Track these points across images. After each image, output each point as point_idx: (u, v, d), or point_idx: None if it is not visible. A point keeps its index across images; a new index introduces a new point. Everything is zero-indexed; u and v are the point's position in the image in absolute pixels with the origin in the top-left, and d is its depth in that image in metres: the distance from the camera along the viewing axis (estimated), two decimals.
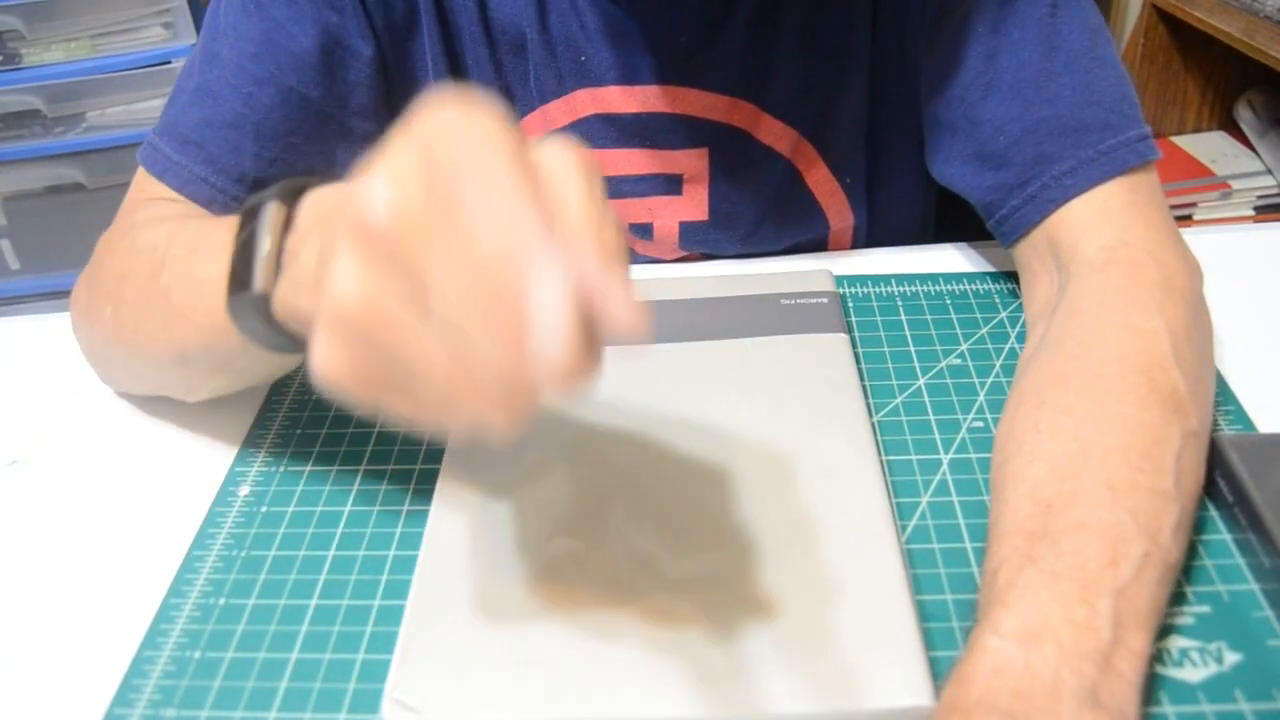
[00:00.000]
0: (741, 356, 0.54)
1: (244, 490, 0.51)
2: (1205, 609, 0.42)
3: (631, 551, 0.43)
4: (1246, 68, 1.50)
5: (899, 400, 0.54)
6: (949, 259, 0.65)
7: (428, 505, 0.47)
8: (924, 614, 0.42)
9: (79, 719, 0.42)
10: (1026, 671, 0.35)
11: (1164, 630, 0.40)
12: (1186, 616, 0.41)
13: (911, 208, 0.71)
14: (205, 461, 0.54)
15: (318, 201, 0.39)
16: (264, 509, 0.50)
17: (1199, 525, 0.45)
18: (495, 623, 0.41)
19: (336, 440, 0.54)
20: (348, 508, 0.50)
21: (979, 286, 0.62)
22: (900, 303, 0.61)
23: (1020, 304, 0.60)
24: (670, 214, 0.66)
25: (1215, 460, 0.46)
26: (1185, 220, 1.49)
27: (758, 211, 0.66)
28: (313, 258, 0.36)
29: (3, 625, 0.46)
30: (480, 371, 0.28)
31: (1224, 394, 0.52)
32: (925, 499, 0.48)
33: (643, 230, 0.67)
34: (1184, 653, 0.40)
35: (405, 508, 0.49)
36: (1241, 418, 0.51)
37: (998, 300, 0.61)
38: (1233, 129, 1.61)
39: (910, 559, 0.45)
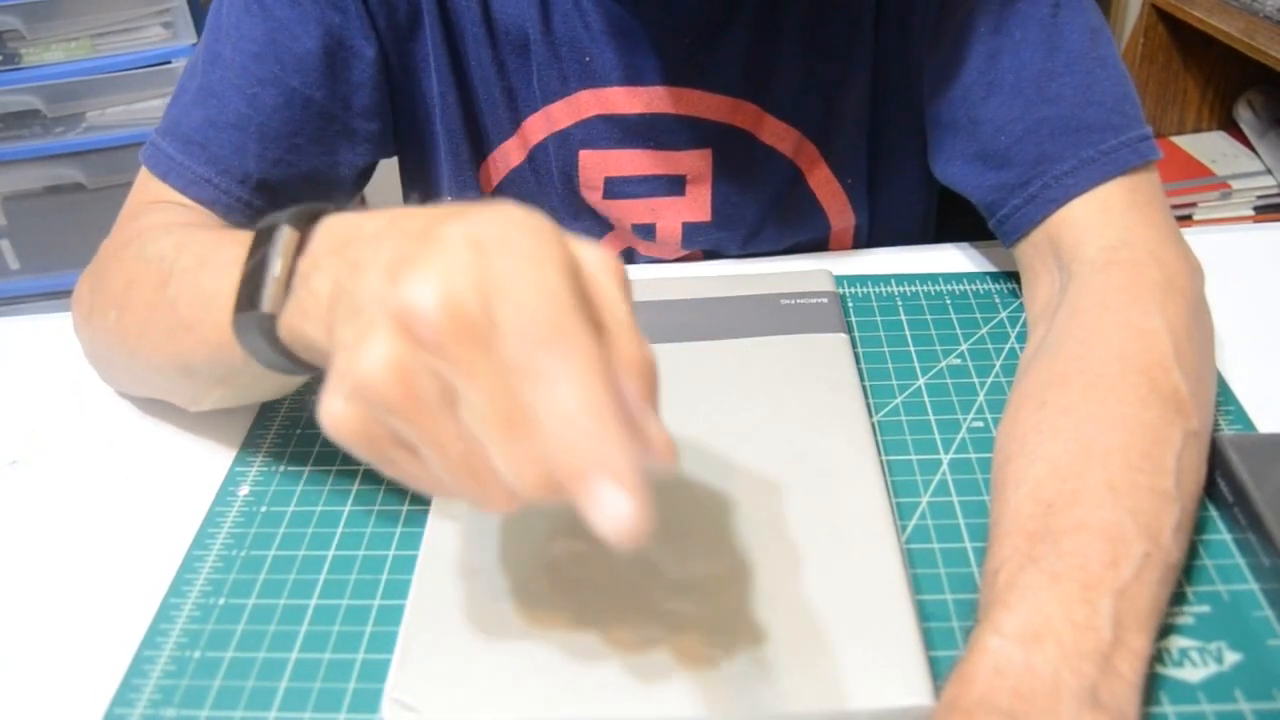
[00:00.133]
0: (741, 356, 0.54)
1: (244, 490, 0.51)
2: (1205, 609, 0.42)
3: (631, 552, 0.43)
4: (1246, 68, 1.50)
5: (899, 400, 0.54)
6: (949, 259, 0.65)
7: (428, 505, 0.47)
8: (924, 614, 0.42)
9: (79, 719, 0.42)
10: (1027, 671, 0.35)
11: (1164, 630, 0.40)
12: (1186, 616, 0.41)
13: (913, 208, 0.71)
14: (205, 461, 0.54)
15: (333, 229, 0.38)
16: (264, 509, 0.50)
17: (1199, 525, 0.44)
18: (495, 623, 0.41)
19: None
20: (348, 508, 0.50)
21: (979, 286, 0.62)
22: (900, 303, 0.61)
23: (1020, 304, 0.60)
24: (673, 214, 0.66)
25: (1215, 460, 0.46)
26: (1185, 220, 1.49)
27: (760, 212, 0.66)
28: (326, 285, 0.36)
29: (3, 625, 0.46)
30: (489, 479, 0.31)
31: (1224, 394, 0.52)
32: (925, 499, 0.48)
33: (645, 231, 0.67)
34: (1184, 653, 0.40)
35: (405, 508, 0.49)
36: (1241, 418, 0.51)
37: (998, 300, 0.61)
38: (1233, 129, 1.61)
39: (910, 559, 0.45)
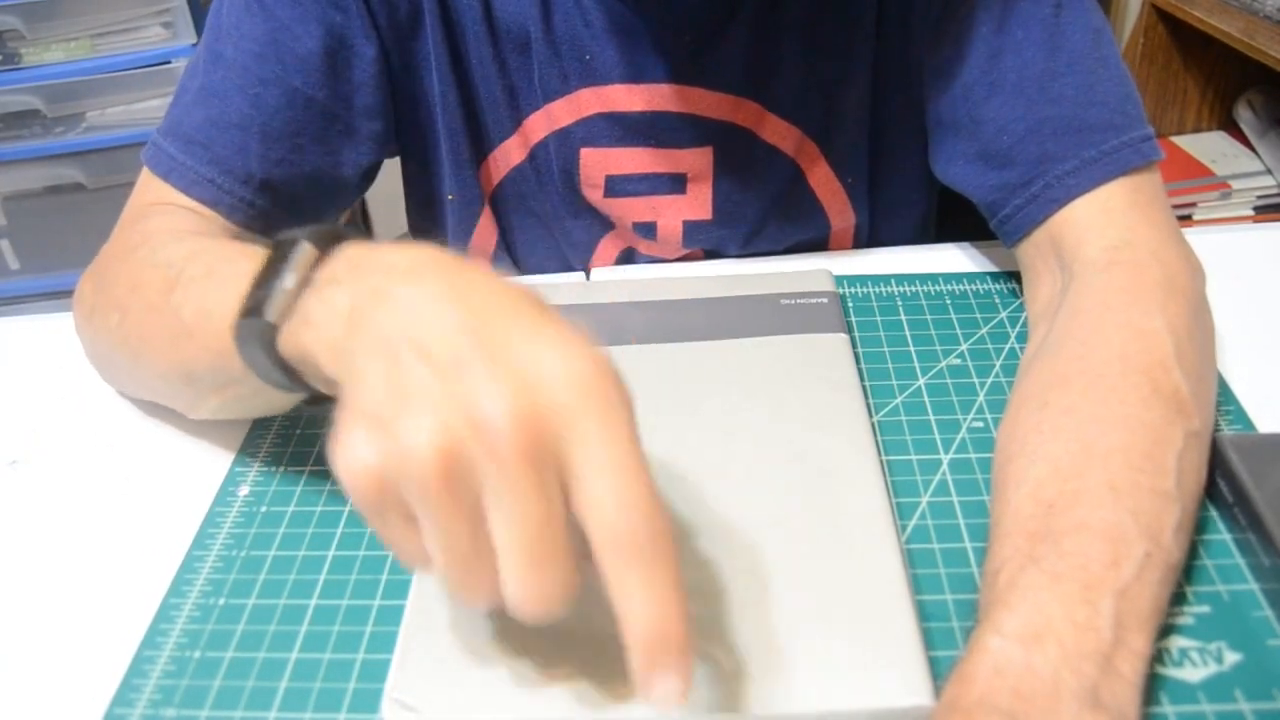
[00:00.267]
0: (741, 356, 0.54)
1: (244, 490, 0.51)
2: (1205, 609, 0.42)
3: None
4: (1246, 68, 1.50)
5: (899, 400, 0.54)
6: (949, 259, 0.65)
7: None
8: (924, 614, 0.42)
9: (79, 719, 0.42)
10: (1027, 671, 0.35)
11: (1164, 630, 0.40)
12: (1186, 616, 0.41)
13: (913, 207, 0.71)
14: (205, 461, 0.54)
15: (356, 253, 0.39)
16: (264, 509, 0.50)
17: (1199, 525, 0.44)
18: (495, 623, 0.41)
19: None
20: (348, 508, 0.50)
21: (979, 286, 0.62)
22: (900, 303, 0.61)
23: (1020, 304, 0.60)
24: (674, 213, 0.66)
25: (1215, 460, 0.46)
26: (1185, 220, 1.49)
27: (761, 210, 0.66)
28: (343, 302, 0.36)
29: (3, 625, 0.46)
30: (482, 579, 0.32)
31: (1224, 394, 0.52)
32: (925, 499, 0.48)
33: (646, 229, 0.67)
34: (1184, 653, 0.40)
35: None
36: (1241, 418, 0.51)
37: (998, 300, 0.61)
38: (1233, 129, 1.61)
39: (910, 559, 0.45)
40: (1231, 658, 0.40)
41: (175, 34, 1.57)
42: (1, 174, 1.65)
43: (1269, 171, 1.51)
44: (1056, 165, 0.55)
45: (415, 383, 0.32)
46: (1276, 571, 0.42)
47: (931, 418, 0.52)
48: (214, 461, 0.54)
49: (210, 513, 0.50)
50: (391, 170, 0.71)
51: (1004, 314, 0.60)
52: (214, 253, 0.48)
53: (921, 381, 0.55)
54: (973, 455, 0.50)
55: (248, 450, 0.54)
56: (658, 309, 0.58)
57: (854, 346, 0.57)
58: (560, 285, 0.64)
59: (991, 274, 0.63)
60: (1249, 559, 0.43)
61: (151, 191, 0.58)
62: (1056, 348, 0.48)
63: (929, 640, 0.40)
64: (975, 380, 0.55)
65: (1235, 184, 1.50)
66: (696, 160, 0.64)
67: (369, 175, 0.65)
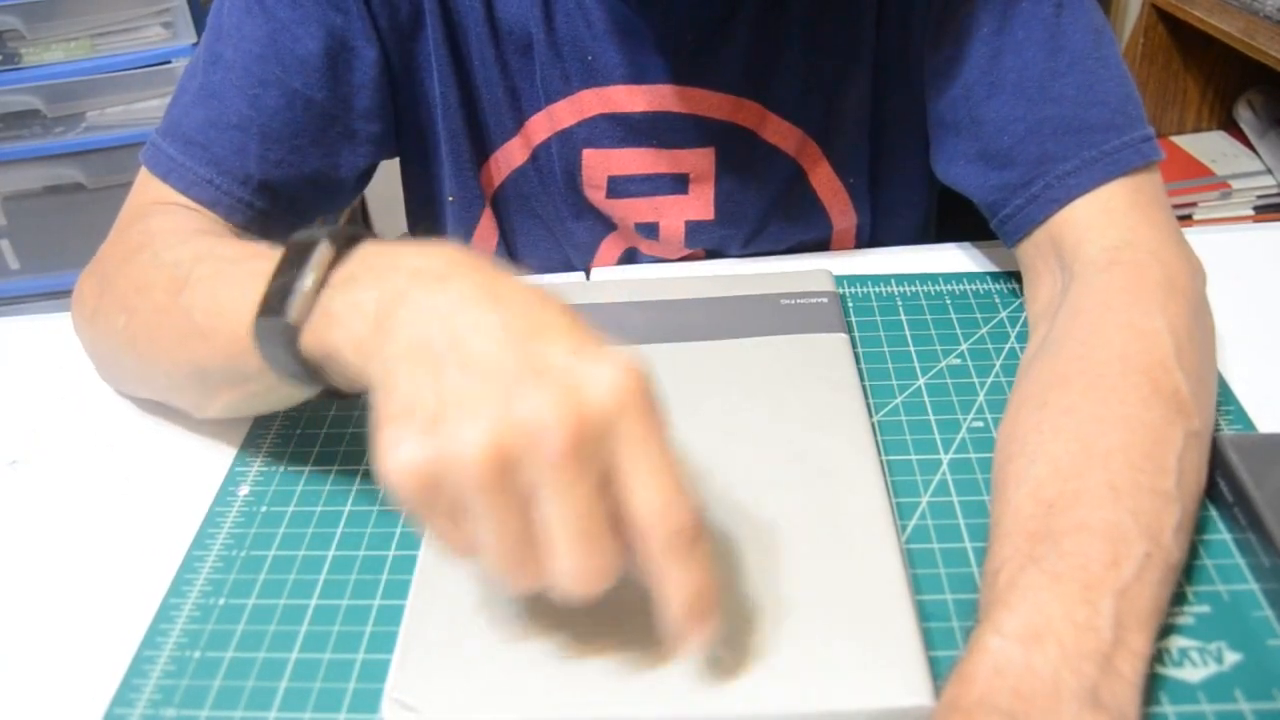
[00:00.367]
0: (741, 356, 0.54)
1: (244, 490, 0.51)
2: (1205, 609, 0.42)
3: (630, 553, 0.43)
4: (1246, 68, 1.49)
5: (899, 400, 0.54)
6: (949, 259, 0.65)
7: None
8: (924, 614, 0.42)
9: (79, 719, 0.42)
10: (1027, 671, 0.35)
11: (1164, 630, 0.40)
12: (1186, 616, 0.41)
13: (914, 207, 0.71)
14: (205, 461, 0.54)
15: (375, 253, 0.40)
16: (264, 509, 0.50)
17: (1199, 525, 0.44)
18: (495, 623, 0.41)
19: (336, 440, 0.54)
20: (348, 508, 0.50)
21: (979, 286, 0.62)
22: (900, 303, 0.61)
23: (1020, 304, 0.60)
24: (676, 213, 0.66)
25: (1215, 460, 0.46)
26: (1185, 220, 1.49)
27: (763, 210, 0.66)
28: (369, 301, 0.37)
29: (3, 625, 0.46)
30: (530, 565, 0.34)
31: (1224, 394, 0.52)
32: (925, 499, 0.48)
33: (648, 229, 0.67)
34: (1184, 653, 0.40)
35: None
36: (1241, 418, 0.51)
37: (998, 300, 0.61)
38: (1233, 129, 1.61)
39: (910, 559, 0.45)
40: (1231, 658, 0.40)
41: (175, 34, 1.57)
42: (1, 174, 1.65)
43: (1269, 171, 1.51)
44: (1057, 165, 0.55)
45: (462, 387, 0.34)
46: (1276, 571, 0.42)
47: (931, 418, 0.52)
48: (214, 461, 0.54)
49: (210, 513, 0.50)
50: (391, 171, 0.71)
51: (1004, 314, 0.60)
52: (221, 253, 0.48)
53: (921, 381, 0.55)
54: (973, 455, 0.50)
55: (248, 450, 0.54)
56: (658, 309, 0.58)
57: (854, 346, 0.57)
58: (560, 285, 0.64)
59: (991, 274, 0.63)
60: (1249, 559, 0.43)
61: (150, 191, 0.58)
62: (1057, 348, 0.48)
63: (929, 640, 0.40)
64: (975, 380, 0.55)
65: (1235, 184, 1.50)
66: (698, 160, 0.64)
67: (367, 176, 0.65)
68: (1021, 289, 0.60)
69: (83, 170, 1.64)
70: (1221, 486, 0.46)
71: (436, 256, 0.38)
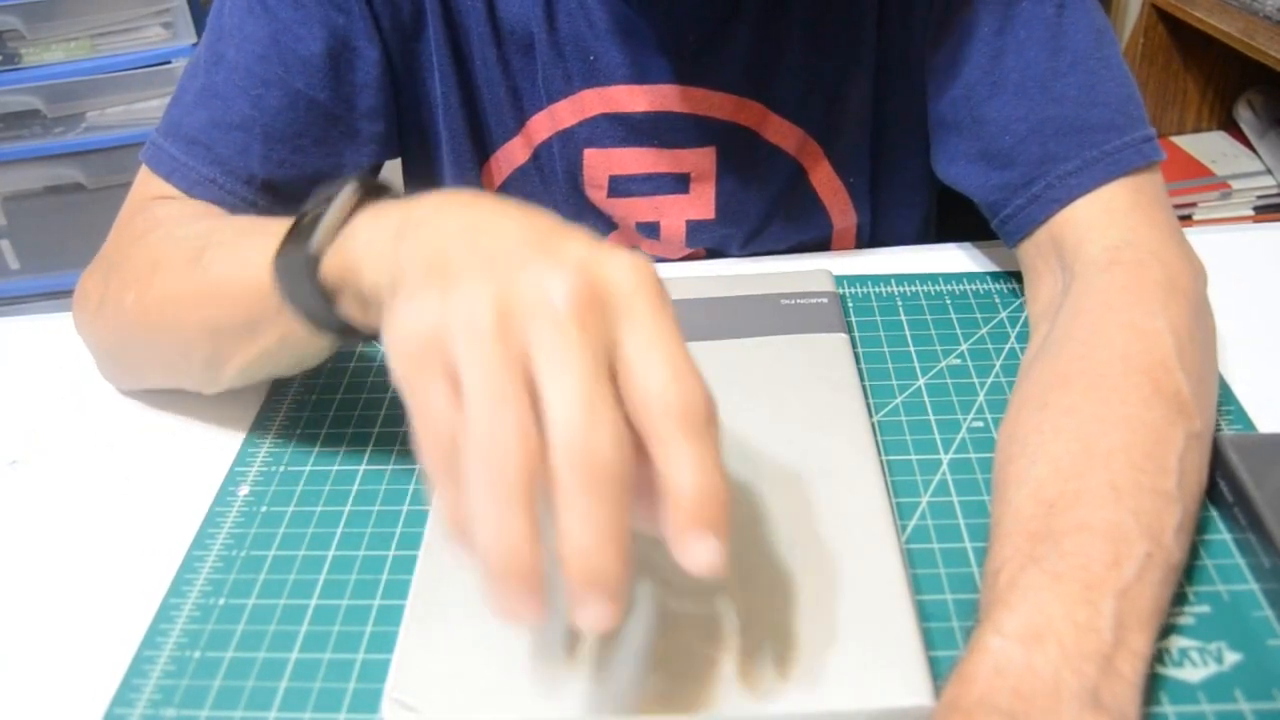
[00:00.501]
0: (741, 356, 0.54)
1: (244, 490, 0.51)
2: (1205, 609, 0.42)
3: (631, 551, 0.43)
4: (1246, 68, 1.50)
5: (899, 400, 0.54)
6: (949, 259, 0.65)
7: (428, 505, 0.47)
8: (924, 614, 0.42)
9: (79, 719, 0.42)
10: (1028, 672, 0.35)
11: (1164, 630, 0.40)
12: (1186, 616, 0.41)
13: (915, 207, 0.71)
14: (205, 461, 0.54)
15: (397, 200, 0.41)
16: (264, 509, 0.50)
17: (1200, 525, 0.44)
18: (495, 623, 0.41)
19: (336, 440, 0.54)
20: (348, 508, 0.50)
21: (979, 286, 0.62)
22: (900, 303, 0.61)
23: (1020, 304, 0.60)
24: (677, 212, 0.66)
25: (1215, 460, 0.46)
26: (1185, 220, 1.49)
27: (763, 210, 0.66)
28: (394, 221, 0.38)
29: (3, 625, 0.46)
30: (532, 449, 0.30)
31: (1224, 394, 0.52)
32: (925, 499, 0.48)
33: (649, 229, 0.67)
34: (1184, 653, 0.40)
35: (405, 508, 0.49)
36: (1241, 418, 0.51)
37: (998, 300, 0.61)
38: (1233, 129, 1.61)
39: (910, 559, 0.45)
40: (1231, 658, 0.40)
41: (175, 34, 1.57)
42: (1, 174, 1.65)
43: (1269, 171, 1.51)
44: (1058, 165, 0.55)
45: (473, 263, 0.34)
46: (1276, 571, 0.42)
47: (931, 418, 0.52)
48: (214, 461, 0.54)
49: (210, 513, 0.50)
50: (391, 170, 0.71)
51: (1004, 314, 0.60)
52: (239, 222, 0.50)
53: (921, 381, 0.55)
54: (973, 455, 0.50)
55: (248, 450, 0.54)
56: None
57: (854, 346, 0.57)
58: None
59: (991, 274, 0.63)
60: (1249, 559, 0.43)
61: (152, 189, 0.58)
62: (1058, 348, 0.48)
63: (929, 640, 0.40)
64: (975, 380, 0.55)
65: (1235, 184, 1.50)
66: (699, 160, 0.64)
67: (370, 175, 0.65)
68: (1022, 289, 0.60)
69: (83, 170, 1.64)
70: (1221, 486, 0.46)
71: (461, 191, 0.39)
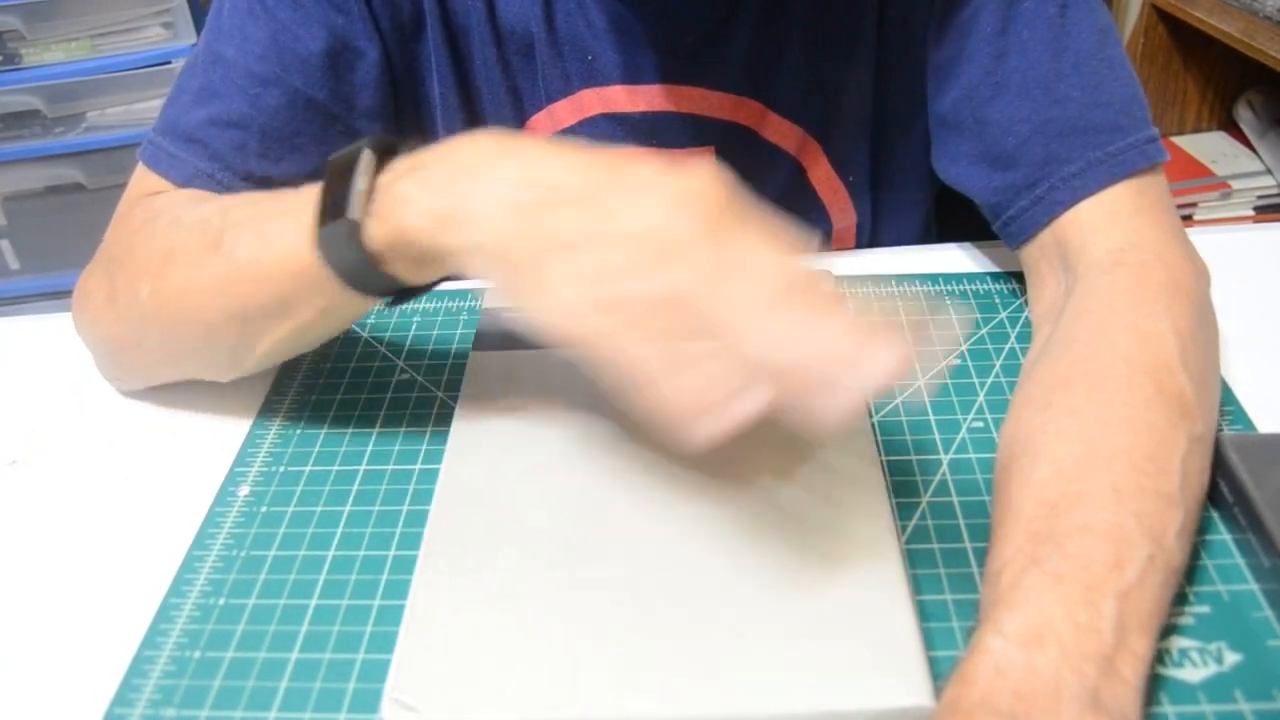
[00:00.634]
0: None
1: (244, 490, 0.51)
2: (1205, 609, 0.42)
3: (631, 552, 0.43)
4: (1246, 68, 1.50)
5: (899, 400, 0.54)
6: (949, 259, 0.65)
7: (428, 505, 0.47)
8: (924, 614, 0.42)
9: (79, 719, 0.42)
10: (1028, 673, 0.35)
11: (1164, 630, 0.40)
12: (1186, 616, 0.41)
13: (915, 206, 0.71)
14: (205, 461, 0.54)
15: (417, 154, 0.43)
16: (264, 509, 0.50)
17: (1200, 526, 0.44)
18: (495, 623, 0.41)
19: (336, 440, 0.54)
20: (348, 508, 0.50)
21: (979, 286, 0.62)
22: (900, 303, 0.61)
23: (1020, 304, 0.60)
24: None
25: (1216, 461, 0.46)
26: (1185, 220, 1.48)
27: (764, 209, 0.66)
28: (440, 177, 0.41)
29: (3, 625, 0.46)
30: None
31: (1225, 394, 0.52)
32: (925, 499, 0.48)
33: None
34: (1184, 653, 0.40)
35: (405, 508, 0.49)
36: (1241, 418, 0.51)
37: (998, 300, 0.61)
38: (1233, 129, 1.61)
39: (910, 559, 0.45)
40: (1231, 658, 0.40)
41: (175, 34, 1.57)
42: (1, 174, 1.65)
43: (1269, 171, 1.51)
44: (1062, 167, 0.55)
45: (585, 221, 0.37)
46: (1276, 571, 0.42)
47: (931, 418, 0.52)
48: (214, 461, 0.54)
49: (210, 513, 0.50)
50: None
51: (1004, 314, 0.60)
52: (250, 199, 0.51)
53: (922, 381, 0.55)
54: (973, 455, 0.50)
55: (248, 450, 0.54)
56: None
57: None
58: None
59: (991, 274, 0.63)
60: (1249, 559, 0.43)
61: (149, 185, 0.58)
62: (1061, 349, 0.48)
63: (929, 640, 0.40)
64: (975, 380, 0.55)
65: (1235, 184, 1.50)
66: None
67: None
68: (1022, 289, 0.60)
69: (83, 170, 1.64)
70: (1222, 487, 0.46)
71: (486, 138, 0.41)
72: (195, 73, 0.59)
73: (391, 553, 0.47)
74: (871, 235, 0.70)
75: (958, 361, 0.56)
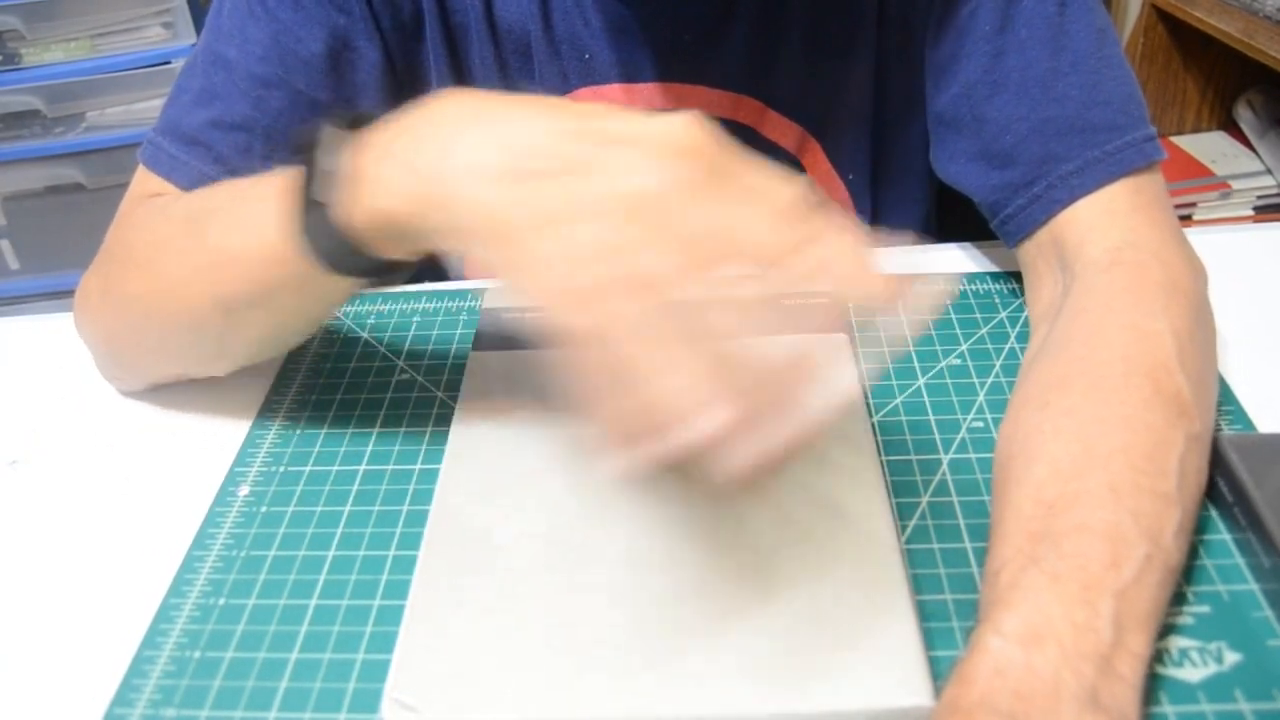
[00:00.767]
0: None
1: (244, 490, 0.51)
2: (1205, 609, 0.42)
3: (631, 552, 0.43)
4: (1246, 68, 1.50)
5: (899, 400, 0.54)
6: (949, 259, 0.65)
7: (428, 505, 0.47)
8: (924, 614, 0.42)
9: (79, 719, 0.42)
10: (1027, 672, 0.35)
11: (1164, 630, 0.40)
12: (1186, 616, 0.41)
13: (915, 205, 0.71)
14: (205, 461, 0.54)
15: (385, 126, 0.41)
16: (264, 509, 0.50)
17: (1199, 525, 0.44)
18: (495, 623, 0.41)
19: (336, 440, 0.54)
20: (348, 508, 0.50)
21: (979, 286, 0.62)
22: (900, 303, 0.61)
23: (1020, 304, 0.60)
24: None
25: (1215, 460, 0.46)
26: (1185, 220, 1.49)
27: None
28: (411, 156, 0.39)
29: (3, 625, 0.46)
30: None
31: (1224, 394, 0.52)
32: (925, 499, 0.48)
33: None
34: (1184, 653, 0.40)
35: (405, 508, 0.49)
36: (1241, 418, 0.51)
37: (998, 300, 0.61)
38: (1233, 129, 1.61)
39: (910, 559, 0.45)
40: (1231, 658, 0.40)
41: (175, 34, 1.57)
42: (1, 174, 1.65)
43: (1269, 171, 1.51)
44: (1060, 165, 0.55)
45: (561, 192, 0.35)
46: (1276, 571, 0.42)
47: (931, 418, 0.52)
48: (214, 461, 0.54)
49: (210, 513, 0.50)
50: None
51: (1004, 314, 0.60)
52: (228, 185, 0.50)
53: (921, 381, 0.55)
54: (973, 455, 0.50)
55: (248, 450, 0.54)
56: None
57: (854, 346, 0.57)
58: None
59: (991, 274, 0.63)
60: (1249, 559, 0.43)
61: (150, 187, 0.58)
62: (1058, 349, 0.48)
63: (929, 640, 0.40)
64: (975, 380, 0.55)
65: (1235, 184, 1.50)
66: None
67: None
68: (1022, 289, 0.60)
69: (83, 170, 1.64)
70: (1221, 486, 0.46)
71: (455, 100, 0.39)
72: (196, 73, 0.59)
73: (391, 553, 0.47)
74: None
75: (958, 361, 0.56)
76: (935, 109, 0.61)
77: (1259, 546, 0.43)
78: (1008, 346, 0.57)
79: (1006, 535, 0.41)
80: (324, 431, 0.55)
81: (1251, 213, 1.51)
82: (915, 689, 0.37)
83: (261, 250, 0.45)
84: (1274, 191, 1.50)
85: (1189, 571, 0.43)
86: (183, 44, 1.57)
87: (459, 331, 0.61)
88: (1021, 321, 0.59)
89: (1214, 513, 0.46)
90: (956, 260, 0.65)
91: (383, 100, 0.62)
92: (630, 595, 0.41)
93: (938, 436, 0.51)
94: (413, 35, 0.62)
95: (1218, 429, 0.48)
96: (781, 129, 0.64)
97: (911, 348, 0.57)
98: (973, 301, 0.61)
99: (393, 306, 0.64)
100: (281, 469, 0.52)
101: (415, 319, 0.63)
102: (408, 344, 0.60)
